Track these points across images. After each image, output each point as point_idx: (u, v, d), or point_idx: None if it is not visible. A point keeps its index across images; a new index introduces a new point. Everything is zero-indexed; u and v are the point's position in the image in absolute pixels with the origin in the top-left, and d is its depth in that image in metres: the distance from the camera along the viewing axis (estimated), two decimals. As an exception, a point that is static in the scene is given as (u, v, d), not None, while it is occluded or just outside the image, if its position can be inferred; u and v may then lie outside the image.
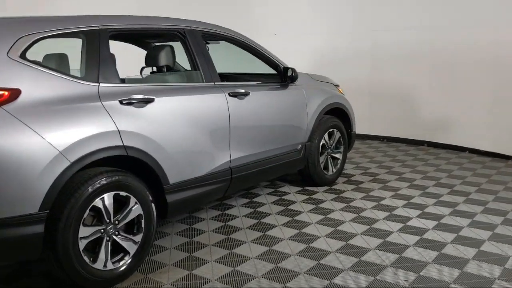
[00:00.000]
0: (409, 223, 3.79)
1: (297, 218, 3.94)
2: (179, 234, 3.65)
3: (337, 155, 4.96)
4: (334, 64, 7.40)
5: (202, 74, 3.51)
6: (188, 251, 3.33)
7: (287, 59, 7.65)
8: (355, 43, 7.22)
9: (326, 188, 4.78)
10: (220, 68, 5.17)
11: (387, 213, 4.02)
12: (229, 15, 7.74)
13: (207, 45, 4.46)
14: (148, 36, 4.23)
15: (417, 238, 3.49)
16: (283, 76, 4.19)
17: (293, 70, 4.15)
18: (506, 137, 5.88)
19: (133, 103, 2.95)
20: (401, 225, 3.75)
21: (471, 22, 6.02)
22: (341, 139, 4.97)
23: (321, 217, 3.95)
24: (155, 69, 3.77)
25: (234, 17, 7.73)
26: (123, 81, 3.18)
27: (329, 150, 4.85)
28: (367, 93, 7.28)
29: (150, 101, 3.04)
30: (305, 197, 4.50)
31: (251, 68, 4.85)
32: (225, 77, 4.72)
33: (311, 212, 4.08)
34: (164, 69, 3.66)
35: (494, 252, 3.23)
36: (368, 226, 3.73)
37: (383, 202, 4.31)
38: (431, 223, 3.77)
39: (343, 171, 5.38)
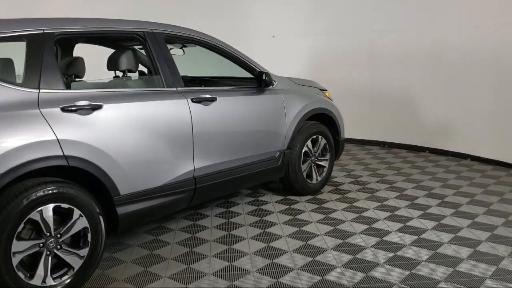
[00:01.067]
0: (387, 238, 3.54)
1: (269, 230, 3.73)
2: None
3: (322, 163, 4.73)
4: (333, 66, 7.16)
5: (163, 79, 3.35)
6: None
7: (285, 62, 7.50)
8: (355, 44, 6.96)
9: (309, 197, 4.55)
10: (204, 72, 5.04)
11: (365, 226, 3.77)
12: (226, 17, 7.59)
13: (183, 48, 4.32)
14: (105, 39, 4.10)
15: (391, 254, 3.24)
16: (258, 81, 3.99)
17: (267, 74, 3.95)
18: (510, 145, 5.53)
19: (77, 110, 2.80)
20: (377, 239, 3.50)
21: (476, 22, 5.68)
22: (327, 146, 4.73)
23: (294, 229, 3.73)
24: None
25: (230, 19, 7.58)
26: (69, 86, 3.03)
27: (313, 158, 4.62)
28: (367, 96, 7.00)
29: (97, 108, 2.88)
30: (284, 207, 4.28)
31: (237, 72, 4.69)
32: (203, 81, 4.58)
33: (286, 224, 3.87)
34: (135, 73, 3.53)
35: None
36: (342, 241, 3.50)
37: (365, 213, 4.06)
38: (410, 238, 3.51)
39: (332, 179, 5.15)
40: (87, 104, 2.84)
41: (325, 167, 4.75)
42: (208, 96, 3.53)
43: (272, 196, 4.62)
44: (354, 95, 7.08)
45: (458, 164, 5.81)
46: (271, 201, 4.46)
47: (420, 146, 6.58)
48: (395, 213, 4.06)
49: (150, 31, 3.41)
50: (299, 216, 4.03)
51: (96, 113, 2.87)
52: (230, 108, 3.70)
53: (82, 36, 3.62)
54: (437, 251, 3.28)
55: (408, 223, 3.81)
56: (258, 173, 4.04)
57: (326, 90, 5.00)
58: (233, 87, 4.03)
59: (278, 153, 4.21)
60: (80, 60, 3.79)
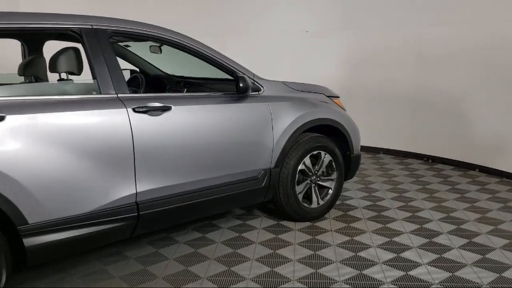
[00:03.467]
0: (375, 292, 2.75)
1: (235, 268, 3.06)
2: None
3: (326, 184, 3.96)
4: (372, 66, 6.26)
5: (99, 83, 2.79)
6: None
7: (318, 60, 6.69)
8: (399, 40, 6.00)
9: (305, 225, 3.81)
10: (202, 73, 4.44)
11: (356, 272, 2.98)
12: (248, 11, 6.94)
13: (161, 47, 3.77)
14: (33, 37, 3.63)
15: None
16: (236, 87, 3.31)
17: (242, 79, 3.26)
18: None
19: (-34, 123, 2.32)
20: (360, 294, 2.72)
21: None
22: (333, 163, 3.96)
23: (265, 270, 3.03)
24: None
25: (254, 12, 6.93)
26: None
27: (314, 177, 3.87)
28: (411, 102, 6.03)
29: (-2, 119, 2.39)
30: (269, 236, 3.59)
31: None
32: (188, 84, 4.01)
33: (260, 260, 3.18)
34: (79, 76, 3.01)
35: None
36: (315, 292, 2.76)
37: (361, 253, 3.27)
38: (405, 296, 2.69)
39: (346, 201, 4.36)
40: (-21, 115, 2.36)
41: (330, 188, 3.98)
42: (157, 104, 2.92)
43: (263, 220, 3.94)
44: (395, 100, 6.15)
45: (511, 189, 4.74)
46: (258, 227, 3.78)
47: (469, 163, 5.53)
48: (401, 255, 3.22)
49: (90, 27, 2.86)
50: (280, 251, 3.32)
51: (-7, 127, 2.38)
52: (189, 120, 3.06)
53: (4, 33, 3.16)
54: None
55: (411, 272, 2.97)
56: (233, 197, 3.38)
57: (338, 97, 4.21)
58: (204, 93, 3.41)
59: (263, 171, 3.52)
60: (38, 60, 3.37)
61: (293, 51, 6.81)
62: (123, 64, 4.50)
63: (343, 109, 4.18)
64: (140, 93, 3.97)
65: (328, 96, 4.06)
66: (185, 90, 3.87)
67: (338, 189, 4.04)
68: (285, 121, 3.59)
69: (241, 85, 3.23)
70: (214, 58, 3.31)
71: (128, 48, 4.23)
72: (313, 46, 6.67)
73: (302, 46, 6.74)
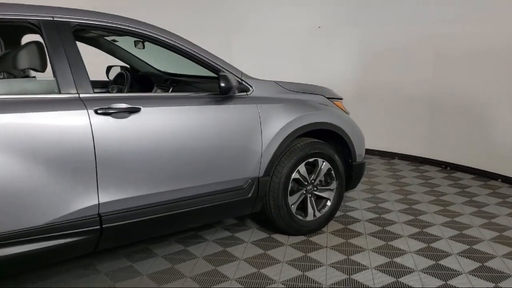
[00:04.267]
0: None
1: (211, 289, 2.76)
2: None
3: (324, 194, 3.60)
4: (386, 64, 5.84)
5: (58, 81, 2.51)
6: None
7: (329, 57, 6.28)
8: (415, 37, 5.55)
9: (299, 239, 3.46)
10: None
11: (344, 300, 2.63)
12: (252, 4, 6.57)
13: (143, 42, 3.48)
14: (6, 30, 3.37)
15: None
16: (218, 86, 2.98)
17: (224, 78, 2.92)
18: None
19: None
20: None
21: None
22: (332, 172, 3.59)
23: (244, 292, 2.72)
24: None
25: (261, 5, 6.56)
26: None
27: (310, 187, 3.52)
28: (427, 104, 5.58)
29: None
30: (258, 252, 3.25)
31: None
32: (175, 82, 3.71)
33: (240, 280, 2.85)
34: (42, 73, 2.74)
35: None
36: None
37: (356, 276, 2.89)
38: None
39: (349, 212, 3.99)
40: None
41: (329, 199, 3.62)
42: (123, 105, 2.62)
43: (254, 232, 3.60)
44: (410, 101, 5.71)
45: (536, 203, 4.27)
46: (247, 241, 3.44)
47: (491, 172, 5.05)
48: (401, 280, 2.84)
49: (51, 19, 2.58)
50: (265, 270, 2.98)
51: None
52: (161, 123, 2.74)
53: None
54: None
55: (410, 302, 2.59)
56: (214, 208, 3.05)
57: (341, 99, 3.84)
58: (183, 93, 3.09)
59: (250, 181, 3.18)
60: (10, 55, 3.12)
61: (301, 48, 6.43)
62: (114, 61, 4.26)
63: (346, 112, 3.80)
64: (124, 91, 3.69)
65: (328, 98, 3.68)
66: (171, 89, 3.56)
67: (338, 200, 3.66)
68: (277, 125, 3.24)
69: (222, 84, 2.89)
70: (195, 54, 2.99)
71: (116, 43, 3.95)
72: (322, 43, 6.28)
73: (311, 43, 6.36)
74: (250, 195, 3.19)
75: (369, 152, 6.22)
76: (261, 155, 3.19)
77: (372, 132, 6.15)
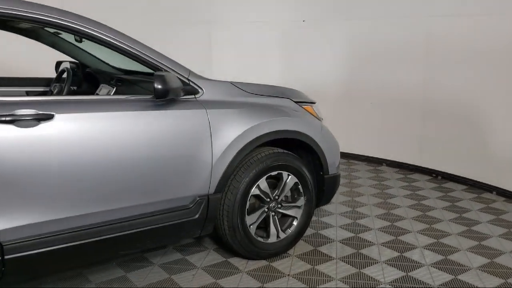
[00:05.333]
0: None
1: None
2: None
3: (290, 212, 3.14)
4: (375, 62, 5.36)
5: None
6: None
7: (315, 55, 5.80)
8: (406, 33, 5.06)
9: (259, 264, 3.01)
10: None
11: None
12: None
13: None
14: None
15: None
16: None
17: (162, 78, 2.43)
18: None
19: None
20: None
21: None
22: (300, 186, 3.13)
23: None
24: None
25: None
26: None
27: (273, 204, 3.06)
28: (418, 107, 5.10)
29: None
30: (207, 281, 2.80)
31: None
32: (121, 81, 3.25)
33: (178, 319, 2.40)
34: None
35: None
36: None
37: (317, 315, 2.45)
38: None
39: (323, 230, 3.54)
40: None
41: (296, 218, 3.16)
42: (30, 112, 2.15)
43: (209, 254, 3.15)
44: (400, 104, 5.23)
45: (533, 221, 3.80)
46: (198, 266, 2.99)
47: (485, 183, 4.58)
48: (370, 321, 2.38)
49: None
50: (210, 305, 2.53)
51: None
52: (79, 132, 2.27)
53: None
54: None
55: None
56: (152, 232, 2.58)
57: (313, 103, 3.37)
58: (112, 96, 2.65)
59: (198, 199, 2.72)
60: None
61: (284, 43, 5.96)
62: (62, 56, 3.80)
63: (318, 118, 3.33)
64: (63, 92, 3.23)
65: (296, 102, 3.21)
66: (114, 89, 3.09)
67: (307, 218, 3.20)
68: (231, 133, 2.78)
69: (157, 86, 2.42)
70: (129, 49, 2.51)
71: (60, 36, 3.47)
72: (308, 38, 5.80)
73: (294, 38, 5.88)
74: (197, 215, 2.72)
75: (354, 157, 5.76)
76: (211, 169, 2.73)
77: (358, 136, 5.69)
